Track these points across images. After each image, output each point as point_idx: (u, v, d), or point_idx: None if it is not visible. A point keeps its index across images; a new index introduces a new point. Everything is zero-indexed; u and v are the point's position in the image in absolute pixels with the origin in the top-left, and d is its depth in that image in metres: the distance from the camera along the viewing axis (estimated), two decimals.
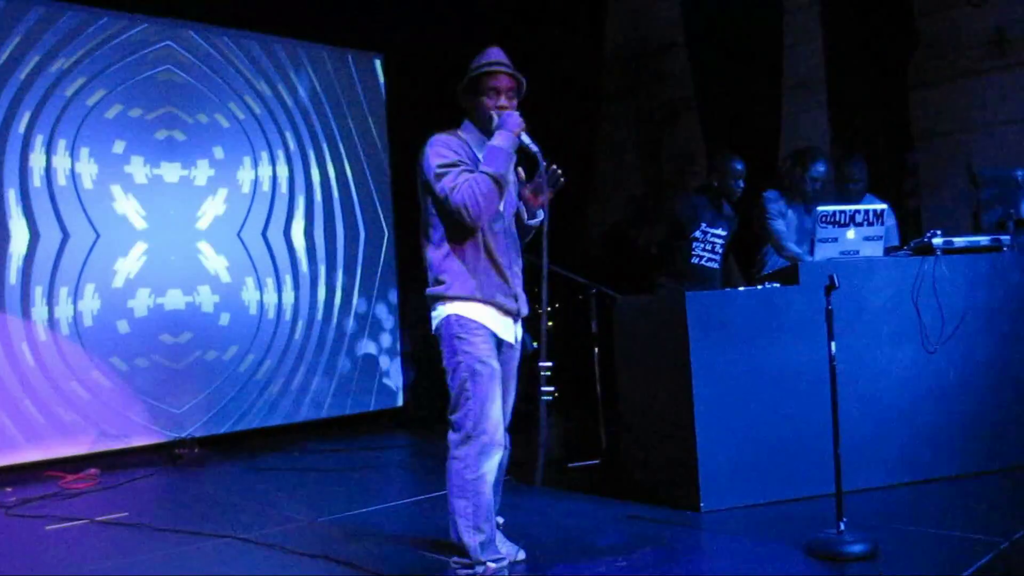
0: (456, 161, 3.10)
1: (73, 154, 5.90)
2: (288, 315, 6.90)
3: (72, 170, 5.88)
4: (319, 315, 7.07)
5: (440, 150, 3.14)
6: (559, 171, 3.18)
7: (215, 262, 6.53)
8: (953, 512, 3.85)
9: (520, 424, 3.44)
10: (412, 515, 4.26)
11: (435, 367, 3.36)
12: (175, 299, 6.31)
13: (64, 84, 5.87)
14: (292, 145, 6.98)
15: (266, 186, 6.83)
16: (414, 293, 6.80)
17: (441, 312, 3.17)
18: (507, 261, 3.21)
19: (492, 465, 3.09)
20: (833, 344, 3.44)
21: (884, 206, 4.45)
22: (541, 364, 7.66)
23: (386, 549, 3.61)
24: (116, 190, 6.07)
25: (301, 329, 6.96)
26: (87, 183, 5.95)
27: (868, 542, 3.27)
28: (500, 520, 3.52)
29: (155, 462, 5.91)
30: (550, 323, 7.66)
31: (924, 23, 6.38)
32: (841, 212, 4.33)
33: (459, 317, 3.12)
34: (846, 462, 3.43)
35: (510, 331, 3.26)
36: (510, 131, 3.11)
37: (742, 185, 5.11)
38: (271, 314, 6.81)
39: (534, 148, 3.16)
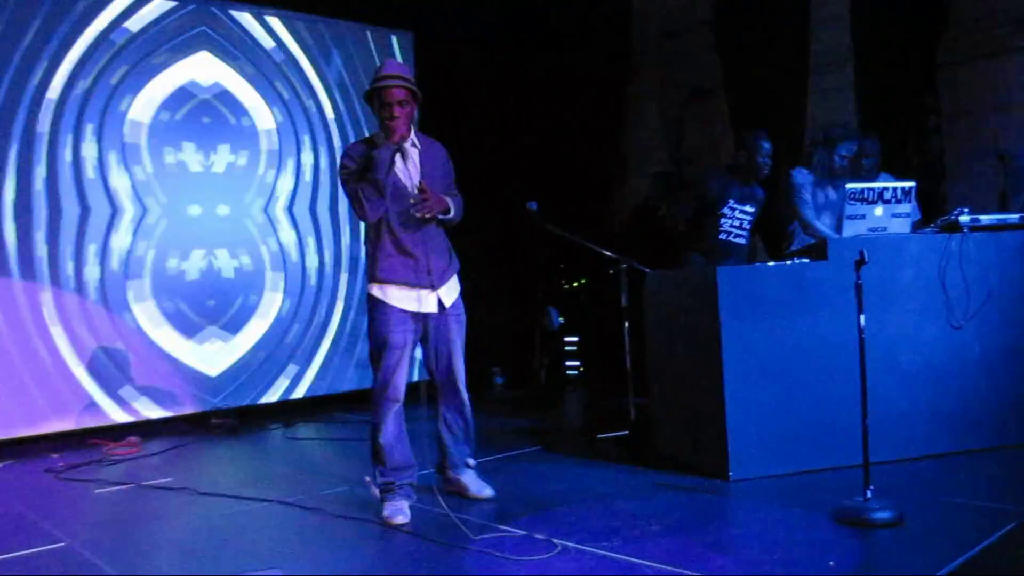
0: (353, 169, 3.71)
1: (113, 138, 6.05)
2: (324, 289, 7.05)
3: (102, 152, 6.03)
4: (355, 288, 7.21)
5: (344, 160, 3.77)
6: (423, 197, 3.68)
7: (248, 237, 6.65)
8: (977, 483, 3.93)
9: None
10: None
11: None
12: (214, 269, 6.45)
13: (108, 74, 6.03)
14: (319, 124, 7.11)
15: (291, 163, 6.96)
16: None
17: (367, 289, 3.84)
18: (415, 242, 3.74)
19: (386, 412, 3.76)
20: (863, 317, 3.53)
21: (912, 183, 4.50)
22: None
23: (424, 513, 3.74)
24: (146, 171, 6.22)
25: (338, 303, 7.13)
26: (119, 166, 6.10)
27: (894, 509, 3.35)
28: (471, 462, 4.07)
29: (191, 431, 6.08)
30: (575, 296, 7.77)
31: (952, 2, 6.40)
32: (869, 189, 4.39)
33: (372, 297, 3.78)
34: (872, 434, 3.51)
35: (425, 302, 3.77)
36: (390, 141, 3.64)
37: (769, 163, 5.18)
38: (307, 288, 6.95)
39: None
